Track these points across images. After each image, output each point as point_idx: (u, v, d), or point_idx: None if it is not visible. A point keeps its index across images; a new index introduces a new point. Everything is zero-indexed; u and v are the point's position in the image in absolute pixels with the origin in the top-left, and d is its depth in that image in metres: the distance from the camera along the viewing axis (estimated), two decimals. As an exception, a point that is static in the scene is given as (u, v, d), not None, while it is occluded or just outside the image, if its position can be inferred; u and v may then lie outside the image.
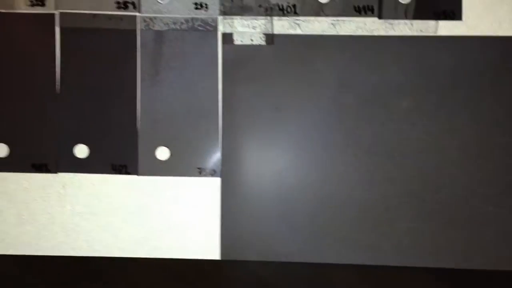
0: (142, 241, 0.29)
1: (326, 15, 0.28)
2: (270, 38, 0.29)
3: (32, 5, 0.29)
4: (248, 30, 0.29)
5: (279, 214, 0.29)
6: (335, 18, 0.29)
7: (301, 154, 0.29)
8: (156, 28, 0.29)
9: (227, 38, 0.29)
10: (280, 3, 0.28)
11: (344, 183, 0.28)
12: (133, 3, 0.29)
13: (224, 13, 0.29)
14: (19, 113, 0.30)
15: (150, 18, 0.29)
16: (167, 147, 0.29)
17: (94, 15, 0.29)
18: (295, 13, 0.29)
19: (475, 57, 0.28)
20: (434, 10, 0.28)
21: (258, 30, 0.29)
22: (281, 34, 0.29)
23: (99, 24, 0.29)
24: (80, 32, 0.29)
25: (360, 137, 0.28)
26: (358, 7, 0.29)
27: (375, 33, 0.29)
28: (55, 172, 0.29)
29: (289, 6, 0.29)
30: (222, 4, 0.29)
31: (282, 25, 0.29)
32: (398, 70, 0.28)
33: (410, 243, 0.28)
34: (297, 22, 0.29)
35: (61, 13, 0.29)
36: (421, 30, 0.29)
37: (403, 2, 0.28)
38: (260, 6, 0.28)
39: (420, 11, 0.28)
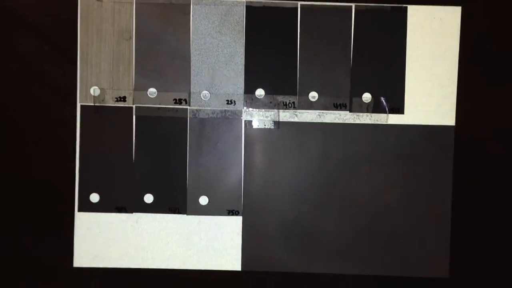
0: (188, 255, 0.39)
1: (315, 109, 0.38)
2: (277, 124, 0.38)
3: (117, 101, 0.38)
4: (262, 118, 0.38)
5: (281, 235, 0.38)
6: (321, 111, 0.38)
7: (297, 197, 0.38)
8: (201, 116, 0.38)
9: (248, 123, 0.38)
10: (284, 101, 0.38)
11: (325, 214, 0.38)
12: (185, 100, 0.38)
13: (246, 107, 0.38)
14: (107, 173, 0.38)
15: (197, 110, 0.38)
16: (207, 195, 0.38)
17: (159, 108, 0.38)
18: (294, 108, 0.38)
19: (412, 138, 0.38)
20: (386, 107, 0.38)
21: (269, 118, 0.38)
22: (285, 121, 0.38)
23: (162, 114, 0.38)
24: (149, 119, 0.38)
25: (337, 187, 0.38)
26: (336, 104, 0.38)
27: (347, 122, 0.38)
28: (131, 212, 0.38)
29: (290, 103, 0.38)
30: (245, 101, 0.38)
31: (285, 115, 0.38)
32: (362, 146, 0.38)
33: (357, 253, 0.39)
34: (296, 113, 0.38)
35: (136, 107, 0.38)
36: (377, 120, 0.38)
37: (365, 101, 0.38)
38: (270, 102, 0.38)
39: (377, 108, 0.38)
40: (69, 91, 0.38)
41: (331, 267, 0.39)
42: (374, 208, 0.39)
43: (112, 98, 0.38)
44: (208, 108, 0.38)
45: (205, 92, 0.38)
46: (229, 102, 0.38)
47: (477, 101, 0.38)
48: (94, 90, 0.38)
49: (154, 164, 0.38)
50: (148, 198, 0.38)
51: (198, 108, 0.38)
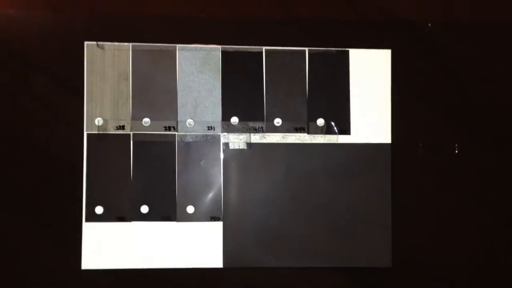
0: (179, 256, 0.42)
1: (279, 132, 0.43)
2: (249, 145, 0.43)
3: (117, 129, 0.42)
4: (237, 140, 0.43)
5: (255, 237, 0.43)
6: (284, 134, 0.43)
7: (268, 205, 0.43)
8: (186, 140, 0.42)
9: (225, 145, 0.43)
10: (254, 126, 0.43)
11: (290, 218, 0.43)
12: (173, 127, 0.42)
13: (224, 132, 0.43)
14: (110, 189, 0.42)
15: (183, 135, 0.42)
16: (193, 205, 0.42)
17: (152, 134, 0.42)
18: (263, 131, 0.43)
19: (358, 154, 0.43)
20: (335, 129, 0.44)
21: (242, 140, 0.43)
22: (255, 143, 0.43)
23: (155, 139, 0.42)
24: (144, 144, 0.42)
25: (299, 196, 0.43)
26: (296, 127, 0.43)
27: (306, 142, 0.43)
28: (130, 221, 0.42)
29: (259, 127, 0.43)
30: (222, 127, 0.43)
31: (256, 138, 0.43)
32: (318, 162, 0.43)
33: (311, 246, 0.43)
34: (264, 136, 0.43)
35: (133, 133, 0.42)
36: (329, 140, 0.43)
37: (319, 125, 0.43)
38: (243, 127, 0.43)
39: (329, 130, 0.43)
40: (77, 121, 0.42)
41: (297, 261, 0.43)
42: (329, 211, 0.43)
43: (113, 127, 0.42)
44: (193, 133, 0.43)
45: (189, 120, 0.43)
46: (210, 128, 0.43)
47: (407, 122, 0.44)
48: (98, 121, 0.42)
49: (148, 180, 0.42)
50: (144, 209, 0.42)
51: (184, 133, 0.43)
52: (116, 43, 0.43)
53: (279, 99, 0.44)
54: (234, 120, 0.44)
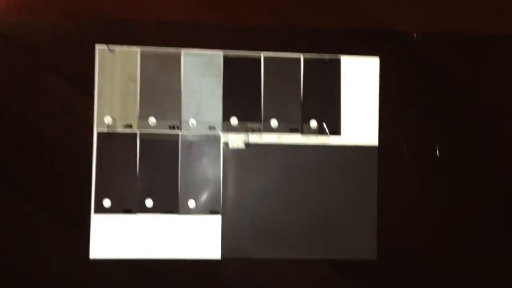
0: (181, 247, 0.45)
1: (276, 132, 0.46)
2: (247, 144, 0.46)
3: (125, 127, 0.44)
4: (236, 140, 0.45)
5: (251, 230, 0.45)
6: (280, 134, 0.46)
7: (263, 200, 0.45)
8: (189, 139, 0.45)
9: (225, 144, 0.45)
10: (252, 127, 0.46)
11: (284, 213, 0.46)
12: (177, 126, 0.45)
13: (224, 131, 0.46)
14: (117, 183, 0.44)
15: (186, 134, 0.45)
16: (194, 200, 0.45)
17: (157, 133, 0.45)
18: (260, 132, 0.46)
19: (347, 154, 0.46)
20: (327, 130, 0.47)
21: (241, 140, 0.46)
22: (253, 143, 0.46)
23: (160, 137, 0.45)
24: (150, 141, 0.45)
25: (292, 192, 0.46)
26: (291, 128, 0.46)
27: (299, 142, 0.46)
28: (136, 213, 0.44)
29: (256, 128, 0.46)
30: (223, 127, 0.45)
31: (253, 138, 0.46)
32: (310, 160, 0.46)
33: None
34: (261, 136, 0.46)
35: (140, 132, 0.45)
36: (321, 140, 0.46)
37: (313, 127, 0.46)
38: (242, 127, 0.45)
39: (321, 131, 0.46)
40: (88, 120, 0.45)
41: (290, 253, 0.46)
42: (320, 207, 0.46)
43: (122, 125, 0.45)
44: (195, 132, 0.46)
45: (192, 120, 0.46)
46: (211, 128, 0.46)
47: (394, 126, 0.47)
48: (108, 119, 0.45)
49: (153, 176, 0.45)
50: (149, 203, 0.45)
51: (187, 132, 0.46)
52: (126, 47, 0.46)
53: (276, 102, 0.47)
54: (234, 121, 0.46)
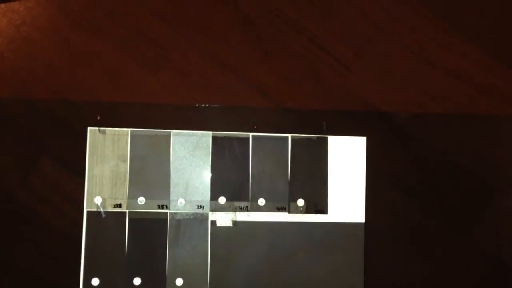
0: None
1: (263, 211, 0.47)
2: (235, 222, 0.47)
3: (115, 207, 0.46)
4: (224, 219, 0.46)
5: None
6: (267, 213, 0.47)
7: (251, 277, 0.46)
8: (178, 218, 0.46)
9: (213, 223, 0.46)
10: (240, 206, 0.46)
11: (271, 285, 0.49)
12: (166, 205, 0.46)
13: (212, 211, 0.47)
14: (106, 262, 0.46)
15: (175, 213, 0.46)
16: (182, 278, 0.47)
17: (146, 212, 0.46)
18: (247, 210, 0.47)
19: (334, 232, 0.47)
20: (314, 209, 0.48)
21: (229, 218, 0.47)
22: (241, 221, 0.47)
23: (149, 216, 0.46)
24: (139, 221, 0.46)
25: (279, 269, 0.47)
26: (278, 207, 0.47)
27: (287, 220, 0.47)
28: (126, 209, 0.46)
29: (244, 207, 0.46)
30: (211, 206, 0.47)
31: (241, 216, 0.47)
32: (297, 239, 0.47)
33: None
34: (249, 215, 0.46)
35: (129, 211, 0.46)
36: (308, 219, 0.47)
37: (300, 205, 0.48)
38: (230, 207, 0.47)
39: (308, 210, 0.48)
40: (79, 200, 0.47)
41: None
42: (307, 283, 0.47)
43: (111, 205, 0.46)
44: (183, 211, 0.47)
45: (181, 199, 0.47)
46: (199, 207, 0.47)
47: (380, 204, 0.49)
48: (98, 199, 0.47)
49: (142, 254, 0.46)
50: (137, 281, 0.46)
51: (176, 211, 0.47)
52: (116, 129, 0.48)
53: (263, 181, 0.48)
54: (222, 200, 0.47)
